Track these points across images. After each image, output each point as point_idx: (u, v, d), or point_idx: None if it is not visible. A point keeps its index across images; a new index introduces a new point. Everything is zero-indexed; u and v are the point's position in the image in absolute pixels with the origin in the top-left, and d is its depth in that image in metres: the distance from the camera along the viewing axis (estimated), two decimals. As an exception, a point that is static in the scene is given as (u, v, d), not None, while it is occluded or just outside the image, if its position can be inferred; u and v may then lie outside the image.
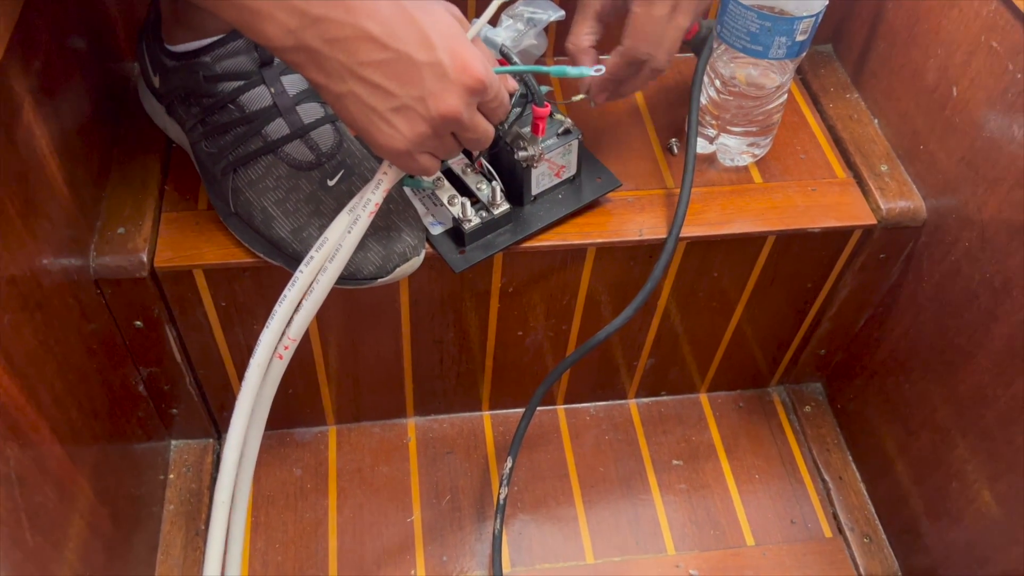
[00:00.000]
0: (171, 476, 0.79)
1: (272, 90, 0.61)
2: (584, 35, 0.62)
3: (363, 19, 0.45)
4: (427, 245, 0.64)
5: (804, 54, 0.65)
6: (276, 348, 0.56)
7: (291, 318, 0.56)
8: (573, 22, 0.62)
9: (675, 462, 0.84)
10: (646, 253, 0.70)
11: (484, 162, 0.65)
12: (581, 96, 0.64)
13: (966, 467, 0.69)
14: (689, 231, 0.69)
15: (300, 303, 0.55)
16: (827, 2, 0.62)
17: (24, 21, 0.52)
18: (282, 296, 0.55)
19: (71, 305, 0.58)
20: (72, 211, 0.60)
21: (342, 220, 0.55)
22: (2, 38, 0.46)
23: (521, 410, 0.83)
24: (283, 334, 0.56)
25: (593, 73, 0.53)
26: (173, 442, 0.81)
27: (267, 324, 0.55)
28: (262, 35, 0.45)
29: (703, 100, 0.71)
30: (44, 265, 0.54)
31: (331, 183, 0.61)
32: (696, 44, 0.66)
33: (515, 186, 0.66)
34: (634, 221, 0.69)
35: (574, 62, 0.63)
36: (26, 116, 0.53)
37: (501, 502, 0.75)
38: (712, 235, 0.69)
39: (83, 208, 0.62)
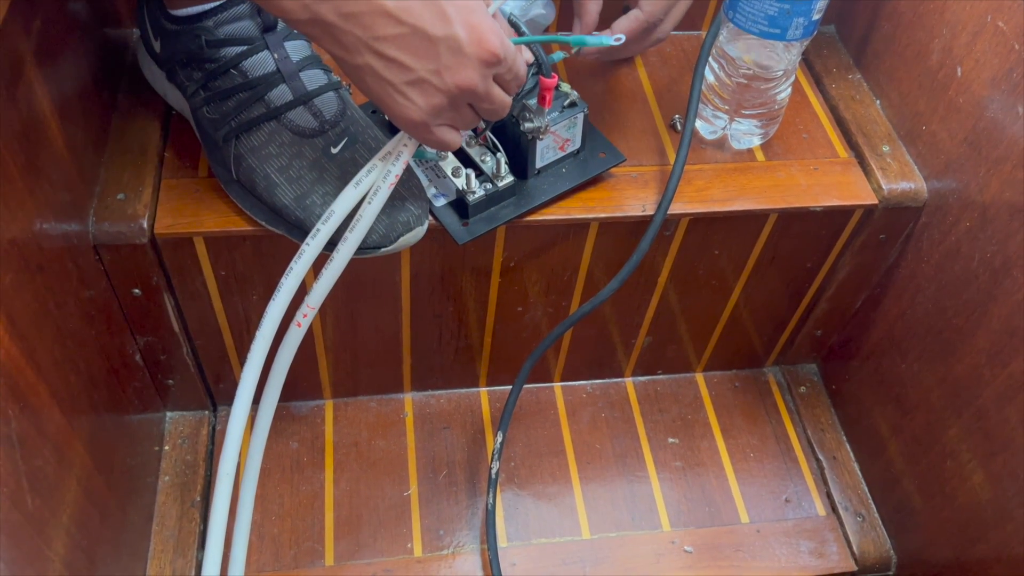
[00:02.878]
0: (166, 448, 0.79)
1: (275, 56, 0.60)
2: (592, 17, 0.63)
3: None
4: (430, 216, 0.64)
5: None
6: (295, 316, 0.56)
7: (304, 289, 0.56)
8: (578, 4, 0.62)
9: (671, 440, 0.85)
10: (648, 229, 0.69)
11: (489, 134, 0.65)
12: (563, 55, 0.62)
13: (960, 447, 0.70)
14: (692, 208, 0.69)
15: (321, 273, 0.55)
16: (836, -22, 0.62)
17: (25, -21, 0.51)
18: (288, 269, 0.55)
19: (70, 270, 0.58)
20: (72, 175, 0.59)
21: (348, 194, 0.55)
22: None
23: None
24: (302, 303, 0.55)
25: (613, 43, 0.53)
26: (168, 414, 0.81)
27: (274, 297, 0.55)
28: (277, 7, 0.45)
29: (711, 81, 0.70)
30: (44, 228, 0.53)
31: (335, 151, 0.61)
32: None
33: (519, 158, 0.65)
34: (637, 197, 0.69)
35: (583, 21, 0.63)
36: (28, 75, 0.52)
37: (493, 476, 0.75)
38: (714, 212, 0.69)
39: (83, 173, 0.61)
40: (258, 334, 0.56)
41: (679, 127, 0.74)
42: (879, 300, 0.79)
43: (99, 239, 0.62)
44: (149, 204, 0.63)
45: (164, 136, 0.68)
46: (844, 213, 0.72)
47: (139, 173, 0.65)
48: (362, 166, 0.60)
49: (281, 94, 0.60)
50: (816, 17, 0.63)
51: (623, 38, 0.54)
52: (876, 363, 0.81)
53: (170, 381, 0.77)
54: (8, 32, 0.49)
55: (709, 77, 0.71)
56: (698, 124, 0.73)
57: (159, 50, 0.64)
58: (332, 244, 0.57)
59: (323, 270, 0.56)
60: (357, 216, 0.55)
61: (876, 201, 0.71)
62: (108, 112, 0.68)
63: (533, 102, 0.62)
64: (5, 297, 0.46)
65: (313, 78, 0.61)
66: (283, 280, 0.56)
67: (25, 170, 0.50)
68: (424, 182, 0.66)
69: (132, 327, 0.69)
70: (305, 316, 0.56)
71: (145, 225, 0.62)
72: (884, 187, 0.71)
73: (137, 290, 0.66)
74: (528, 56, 0.53)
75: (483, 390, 0.86)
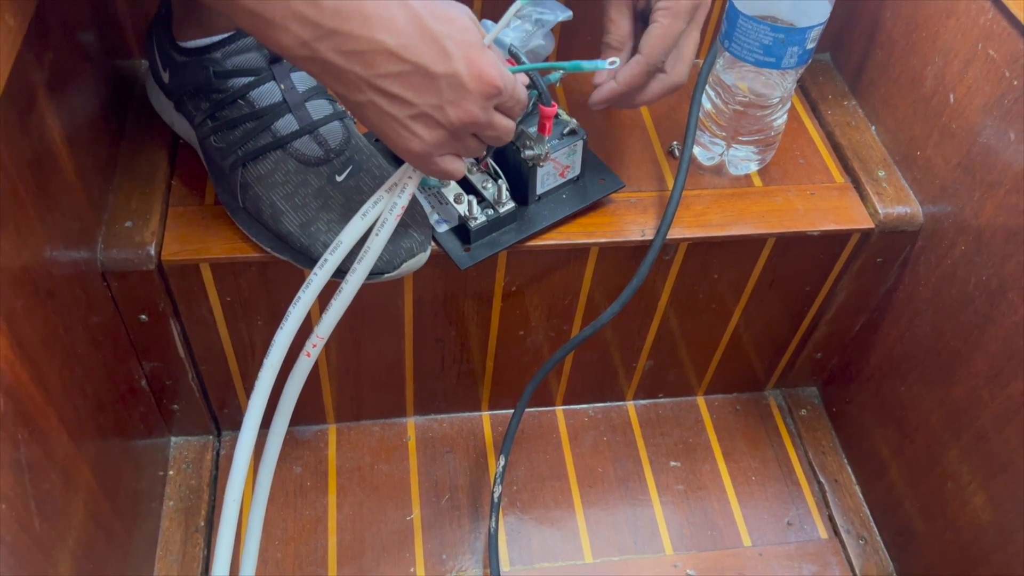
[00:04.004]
0: (171, 472, 0.79)
1: (282, 86, 0.61)
2: (625, 31, 0.61)
3: (379, 32, 0.45)
4: (433, 242, 0.65)
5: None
6: (304, 346, 0.57)
7: (311, 317, 0.56)
8: (609, 21, 0.61)
9: (673, 463, 0.85)
10: (648, 254, 0.70)
11: (490, 161, 0.66)
12: (558, 76, 0.62)
13: (960, 469, 0.70)
14: (690, 233, 0.70)
15: (329, 303, 0.56)
16: (831, 8, 0.63)
17: (39, 15, 0.52)
18: (296, 298, 0.56)
19: (78, 296, 0.58)
20: (81, 202, 0.60)
21: (355, 224, 0.56)
22: (19, 30, 0.47)
23: (520, 410, 0.84)
24: (311, 333, 0.56)
25: (608, 66, 0.54)
26: (173, 439, 0.81)
27: (281, 325, 0.56)
28: (276, 45, 0.46)
29: (708, 109, 0.72)
30: (54, 255, 0.54)
31: (339, 179, 0.62)
32: None
33: (520, 185, 0.66)
34: (636, 222, 0.70)
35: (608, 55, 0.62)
36: (40, 106, 0.53)
37: (495, 500, 0.75)
38: (713, 236, 0.70)
39: (91, 200, 0.63)
40: (266, 362, 0.57)
41: (677, 153, 0.76)
42: (878, 323, 0.80)
43: (107, 265, 0.63)
44: (156, 231, 0.64)
45: (171, 164, 0.70)
46: (841, 237, 0.73)
47: (147, 201, 0.66)
48: (366, 193, 0.61)
49: (287, 124, 0.61)
50: (810, 46, 0.65)
51: (617, 62, 0.55)
52: (876, 386, 0.81)
53: (175, 406, 0.77)
54: (21, 64, 0.50)
55: (706, 104, 0.72)
56: (696, 150, 0.74)
57: (167, 80, 0.66)
58: (340, 272, 0.58)
59: (332, 301, 0.56)
60: (365, 248, 0.56)
61: (872, 225, 0.72)
62: (117, 141, 0.69)
63: (533, 130, 0.63)
64: (16, 323, 0.47)
65: (319, 108, 0.62)
66: (291, 309, 0.57)
67: (36, 198, 0.51)
68: (427, 208, 0.67)
69: (138, 352, 0.70)
70: (315, 346, 0.57)
71: (152, 252, 0.63)
72: (880, 211, 0.72)
73: (144, 316, 0.67)
74: (527, 80, 0.54)
75: (485, 414, 0.87)
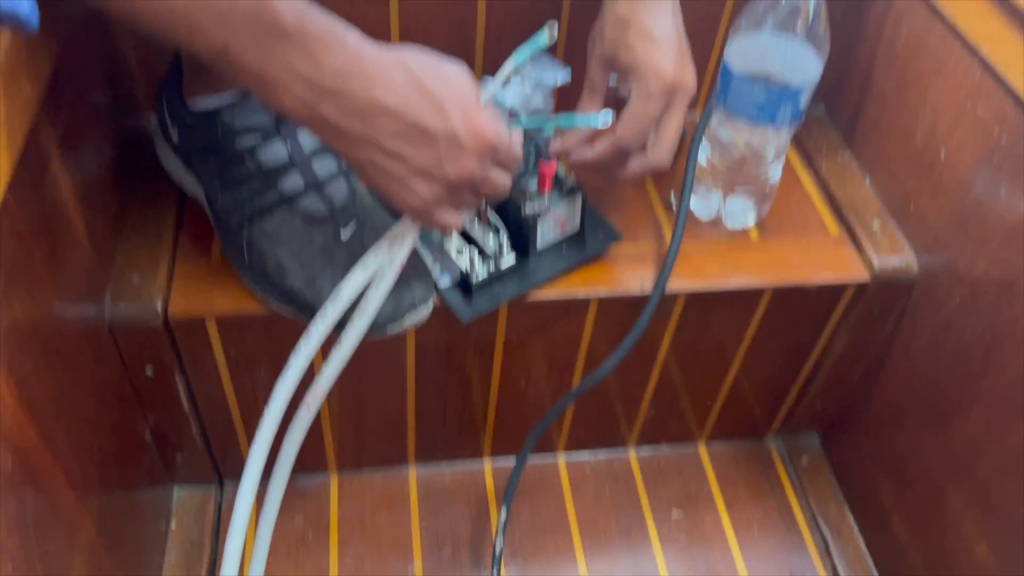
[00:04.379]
0: (172, 525, 0.79)
1: (288, 145, 0.63)
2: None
3: (378, 92, 0.47)
4: (435, 296, 0.66)
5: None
6: (304, 399, 0.57)
7: (313, 370, 0.57)
8: (580, 102, 0.65)
9: (675, 513, 0.85)
10: (647, 306, 0.71)
11: (491, 216, 0.67)
12: (552, 131, 0.65)
13: (962, 519, 0.70)
14: (689, 285, 0.71)
15: (329, 356, 0.57)
16: (823, 67, 0.65)
17: (54, 79, 0.54)
18: (296, 348, 0.57)
19: (85, 353, 0.59)
20: (90, 259, 0.61)
21: (356, 275, 0.57)
22: (36, 97, 0.48)
23: (522, 460, 0.84)
24: (311, 385, 0.57)
25: (601, 123, 0.56)
26: (176, 490, 0.81)
27: (281, 377, 0.56)
28: (277, 105, 0.47)
29: (704, 163, 0.73)
30: (63, 312, 0.55)
31: (344, 235, 0.63)
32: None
33: (521, 239, 0.68)
34: (636, 274, 0.71)
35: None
36: (53, 167, 0.54)
37: (497, 553, 0.75)
38: (711, 289, 0.71)
39: (100, 257, 0.64)
40: (266, 413, 0.58)
41: (675, 207, 0.77)
42: (877, 373, 0.81)
43: (114, 321, 0.64)
44: (163, 287, 0.65)
45: (179, 221, 0.71)
46: (838, 289, 0.74)
47: (154, 257, 0.67)
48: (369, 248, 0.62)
49: (293, 182, 0.62)
50: (804, 103, 0.66)
51: (610, 118, 0.56)
52: (876, 435, 0.82)
53: (178, 457, 0.78)
54: (36, 128, 0.51)
55: (702, 159, 0.74)
56: (693, 204, 0.76)
57: (177, 139, 0.67)
58: (340, 324, 0.59)
59: (331, 354, 0.57)
60: (364, 300, 0.57)
61: (868, 277, 0.73)
62: (125, 197, 0.71)
63: (534, 186, 0.65)
64: (26, 382, 0.48)
65: (324, 166, 0.64)
66: (291, 359, 0.58)
67: (48, 257, 0.53)
68: (429, 262, 0.68)
69: (143, 406, 0.71)
70: (315, 398, 0.57)
71: (159, 307, 0.64)
72: (876, 263, 0.73)
73: (149, 370, 0.68)
74: (522, 136, 0.56)
75: (487, 463, 0.87)
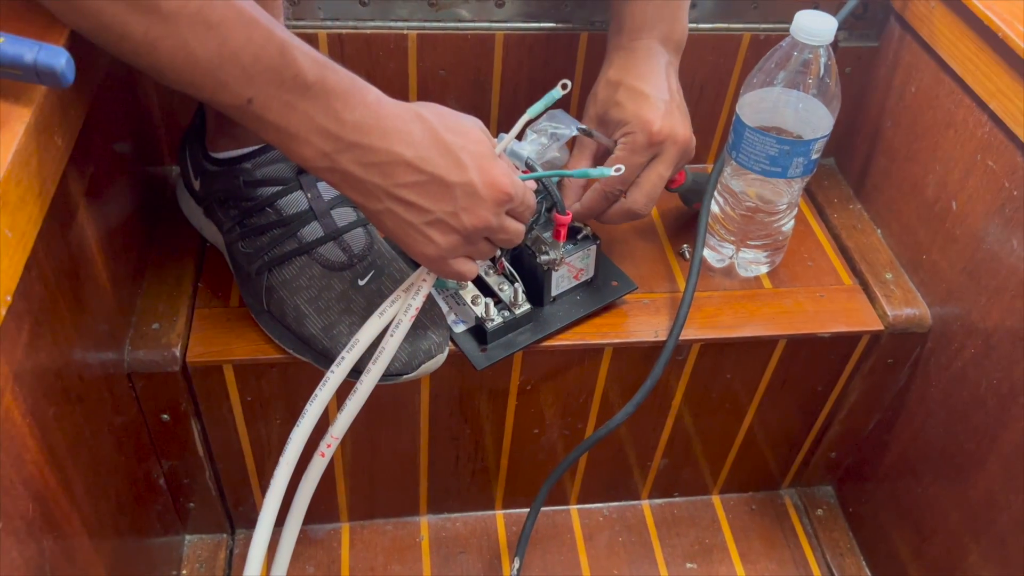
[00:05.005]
0: (184, 572, 0.78)
1: (308, 195, 0.64)
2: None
3: (397, 145, 0.48)
4: (450, 342, 0.66)
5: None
6: (319, 446, 0.57)
7: (327, 417, 0.58)
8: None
9: (689, 565, 0.84)
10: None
11: (506, 264, 0.68)
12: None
13: (980, 573, 0.69)
14: (703, 334, 0.71)
15: (344, 403, 0.57)
16: (834, 121, 0.66)
17: (83, 132, 0.56)
18: (312, 396, 0.57)
19: (105, 399, 0.60)
20: (111, 306, 0.62)
21: (373, 323, 0.58)
22: (67, 150, 0.50)
23: (535, 509, 0.84)
24: (326, 432, 0.57)
25: (613, 173, 0.57)
26: (187, 537, 0.81)
27: (298, 423, 0.57)
28: (298, 156, 0.48)
29: (717, 213, 0.74)
30: (85, 359, 0.56)
31: (362, 283, 0.64)
32: (683, 192, 0.74)
33: (536, 287, 0.68)
34: (649, 323, 0.71)
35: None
36: (80, 217, 0.56)
37: (511, 605, 0.75)
38: (725, 338, 0.71)
39: (121, 303, 0.65)
40: (282, 460, 0.58)
41: (688, 256, 0.78)
42: (891, 423, 0.80)
43: (133, 367, 0.64)
44: (182, 333, 0.66)
45: (198, 267, 0.72)
46: (851, 339, 0.74)
47: (173, 303, 0.68)
48: (387, 296, 0.63)
49: (313, 231, 0.64)
50: (815, 156, 0.67)
51: (623, 169, 0.58)
52: (892, 486, 0.81)
53: (191, 504, 0.78)
54: (65, 179, 0.53)
55: (715, 209, 0.74)
56: (706, 253, 0.76)
57: (198, 188, 0.69)
58: (356, 371, 0.59)
59: (346, 401, 0.58)
60: (380, 348, 0.57)
61: (882, 327, 0.73)
62: (147, 244, 0.72)
63: (549, 235, 0.66)
64: (48, 429, 0.48)
65: (343, 215, 0.65)
66: (307, 407, 0.58)
67: (72, 306, 0.53)
68: (444, 309, 0.69)
69: (158, 452, 0.71)
70: (329, 446, 0.58)
71: (178, 353, 0.65)
72: (889, 313, 0.73)
73: (166, 416, 0.68)
74: (535, 185, 0.58)
75: (499, 513, 0.86)
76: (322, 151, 0.48)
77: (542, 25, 0.75)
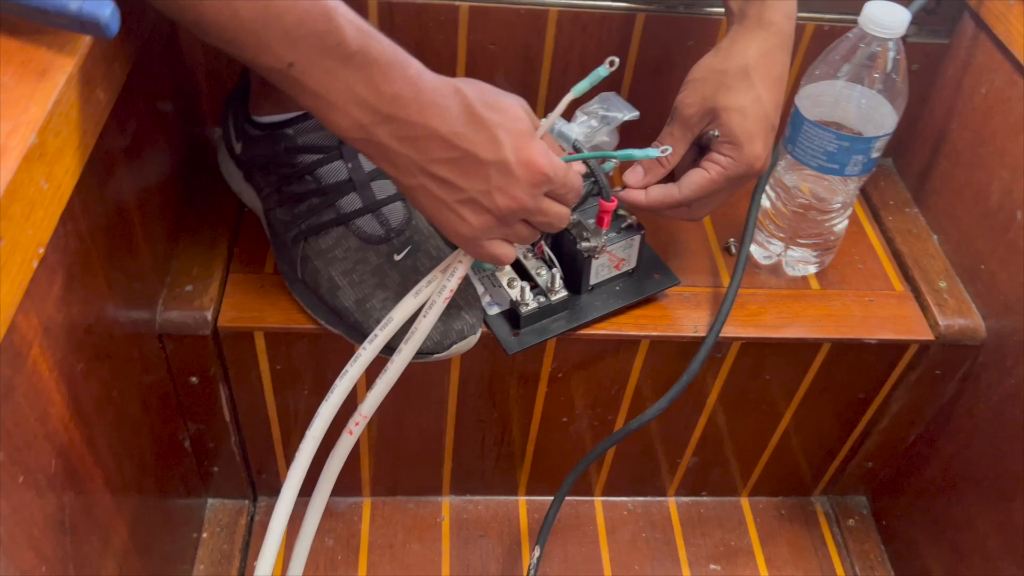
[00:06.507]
0: (204, 535, 0.79)
1: (349, 165, 0.63)
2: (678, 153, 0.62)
3: (433, 119, 0.47)
4: (483, 325, 0.65)
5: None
6: (347, 424, 0.57)
7: (355, 393, 0.57)
8: (668, 135, 0.61)
9: (712, 566, 0.82)
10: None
11: (546, 248, 0.66)
12: (612, 166, 0.64)
13: (1020, 600, 0.67)
14: (744, 332, 0.69)
15: (375, 382, 0.56)
16: (898, 119, 0.63)
17: (126, 87, 0.55)
18: (343, 371, 0.56)
19: (134, 358, 0.59)
20: (146, 266, 0.62)
21: (408, 302, 0.57)
22: (108, 103, 0.49)
23: (558, 498, 0.83)
24: (356, 410, 0.57)
25: (660, 154, 0.55)
26: (209, 500, 0.81)
27: (327, 398, 0.56)
28: (334, 125, 0.47)
29: (767, 208, 0.72)
30: (116, 317, 0.55)
31: (397, 258, 0.63)
32: None
33: (574, 274, 0.67)
34: (689, 317, 0.69)
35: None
36: (118, 173, 0.55)
37: (529, 593, 0.73)
38: (767, 338, 0.69)
39: (156, 263, 0.64)
40: (308, 434, 0.57)
41: (734, 251, 0.75)
42: (934, 437, 0.77)
43: (164, 328, 0.64)
44: (215, 297, 0.65)
45: (235, 232, 0.71)
46: (899, 347, 0.71)
47: (208, 266, 0.67)
48: (423, 273, 0.62)
49: (351, 201, 0.62)
50: (875, 155, 0.64)
51: (669, 150, 0.55)
52: (929, 501, 0.78)
53: (215, 468, 0.78)
54: (105, 134, 0.52)
55: (765, 204, 0.72)
56: (753, 249, 0.74)
57: (239, 151, 0.68)
58: (388, 348, 0.58)
59: (377, 380, 0.57)
60: (412, 328, 0.56)
61: (932, 337, 0.70)
62: (185, 206, 0.72)
63: (592, 222, 0.64)
64: (75, 385, 0.48)
65: (383, 188, 0.64)
66: (337, 382, 0.57)
67: (106, 262, 0.53)
68: (480, 290, 0.67)
69: (185, 414, 0.71)
70: (357, 424, 0.57)
71: (209, 317, 0.64)
72: (940, 323, 0.70)
73: (194, 379, 0.68)
74: (583, 168, 0.55)
75: (522, 499, 0.85)
76: (359, 122, 0.47)
77: (598, 3, 0.73)
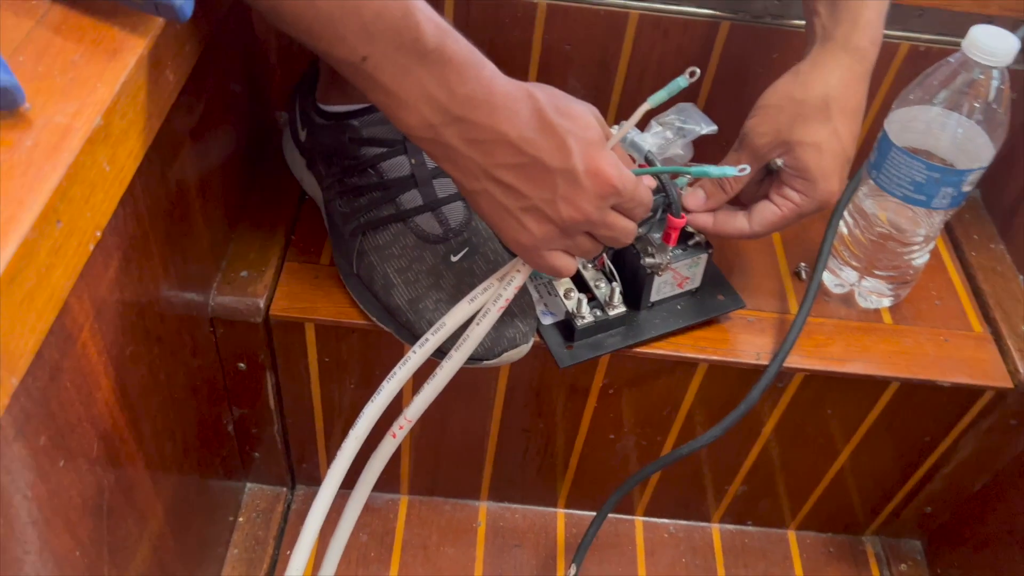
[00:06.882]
0: (240, 519, 0.79)
1: (412, 161, 0.61)
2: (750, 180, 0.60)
3: (503, 123, 0.45)
4: (536, 334, 0.63)
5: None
6: (391, 427, 0.55)
7: (401, 395, 0.55)
8: (734, 163, 0.58)
9: (753, 600, 0.79)
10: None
11: (607, 260, 0.64)
12: (685, 181, 0.62)
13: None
14: (809, 363, 0.66)
15: (422, 386, 0.55)
16: (995, 152, 0.59)
17: (197, 68, 0.54)
18: (391, 373, 0.55)
19: (184, 341, 0.59)
20: (203, 249, 0.61)
21: (462, 308, 0.55)
22: (177, 85, 0.48)
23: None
24: (400, 414, 0.55)
25: (737, 173, 0.52)
26: (248, 485, 0.81)
27: (372, 398, 0.55)
28: (402, 122, 0.46)
29: (844, 234, 0.68)
30: (169, 299, 0.55)
31: (454, 259, 0.61)
32: None
33: (634, 289, 0.64)
34: (751, 343, 0.66)
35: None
36: (182, 156, 0.54)
37: (563, 610, 0.72)
38: (832, 371, 0.66)
39: (212, 247, 0.64)
40: (352, 433, 0.56)
41: (804, 276, 0.72)
42: (1002, 488, 0.73)
43: (216, 312, 0.63)
44: (269, 284, 0.65)
45: (293, 220, 0.71)
46: (973, 392, 0.67)
47: (264, 253, 0.67)
48: (478, 276, 0.60)
49: (412, 198, 0.61)
50: (967, 189, 0.61)
51: (747, 169, 0.52)
52: (992, 555, 0.74)
53: (256, 454, 0.77)
54: (172, 115, 0.52)
55: (842, 230, 0.68)
56: (825, 276, 0.70)
57: (304, 139, 0.67)
58: (438, 353, 0.57)
59: (424, 385, 0.55)
60: (464, 335, 0.54)
61: (1011, 384, 0.66)
62: (245, 189, 0.71)
63: (657, 237, 0.61)
64: (123, 369, 0.47)
65: (445, 185, 0.62)
66: (384, 383, 0.56)
67: (163, 245, 0.52)
68: (535, 297, 0.65)
69: (230, 399, 0.71)
70: (401, 428, 0.56)
71: (262, 304, 0.64)
72: (1021, 370, 0.66)
73: (242, 364, 0.67)
74: (654, 182, 0.53)
75: (561, 511, 0.83)
76: (428, 121, 0.45)
77: (681, 8, 0.70)
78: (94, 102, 0.38)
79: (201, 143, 0.58)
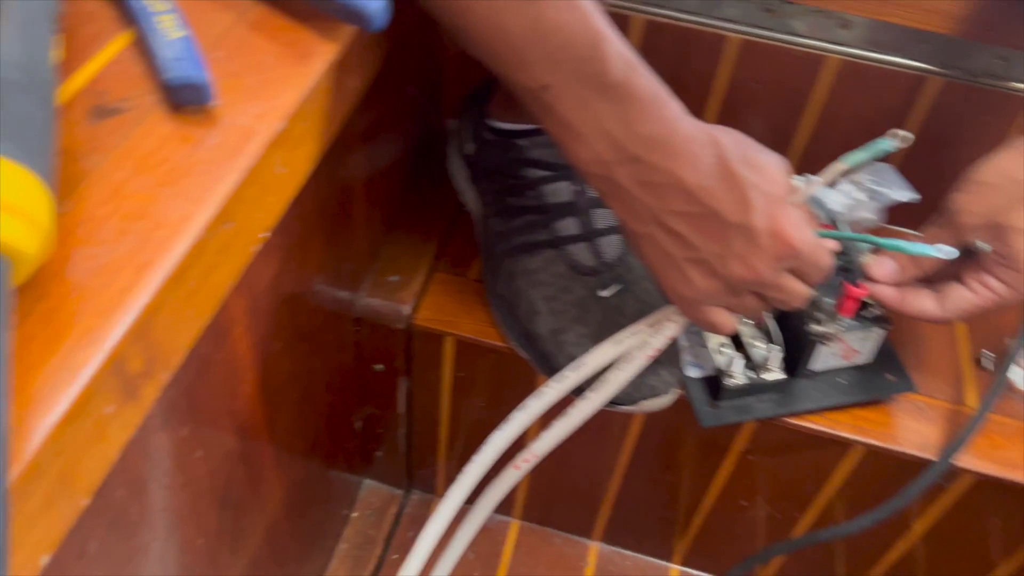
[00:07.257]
0: (354, 514, 0.79)
1: (574, 188, 0.60)
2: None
3: (682, 168, 0.42)
4: (679, 386, 0.60)
5: None
6: (515, 458, 0.54)
7: (531, 432, 0.54)
8: (932, 239, 0.52)
9: None
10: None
11: (769, 319, 0.59)
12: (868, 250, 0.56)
13: None
14: (981, 466, 0.59)
15: (552, 423, 0.53)
16: None
17: (378, 75, 0.54)
18: (524, 404, 0.53)
19: (328, 339, 0.60)
20: (359, 250, 0.62)
21: (606, 350, 0.52)
22: (359, 91, 0.48)
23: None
24: (527, 447, 0.54)
25: (937, 254, 0.46)
26: (365, 481, 0.82)
27: (501, 427, 0.53)
28: (574, 155, 0.44)
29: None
30: (321, 297, 0.55)
31: (604, 293, 0.59)
32: None
33: (794, 352, 0.59)
34: (918, 432, 0.60)
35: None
36: (352, 159, 0.55)
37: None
38: (1009, 479, 0.59)
39: (368, 249, 0.64)
40: (476, 459, 0.55)
41: (987, 365, 0.65)
42: None
43: (362, 313, 0.64)
44: (417, 292, 0.65)
45: (449, 230, 0.70)
46: None
47: (416, 260, 0.67)
48: (626, 316, 0.57)
49: (568, 226, 0.59)
50: None
51: (955, 252, 0.47)
52: None
53: (378, 453, 0.78)
54: (351, 118, 0.52)
55: (1043, 323, 0.61)
56: (1012, 369, 0.63)
57: (470, 151, 0.66)
58: (575, 390, 0.54)
59: (555, 422, 0.53)
60: (604, 378, 0.52)
61: None
62: (405, 194, 0.71)
63: (829, 301, 0.56)
64: (270, 365, 0.48)
65: (603, 217, 0.60)
66: (515, 413, 0.54)
67: (323, 245, 0.53)
68: (683, 343, 0.62)
69: (362, 397, 0.71)
70: (526, 461, 0.54)
71: (407, 311, 0.63)
72: None
73: (380, 366, 0.68)
74: (836, 245, 0.48)
75: (675, 567, 0.79)
76: (601, 157, 0.43)
77: (889, 58, 0.65)
78: (279, 106, 0.38)
79: (371, 146, 0.59)
